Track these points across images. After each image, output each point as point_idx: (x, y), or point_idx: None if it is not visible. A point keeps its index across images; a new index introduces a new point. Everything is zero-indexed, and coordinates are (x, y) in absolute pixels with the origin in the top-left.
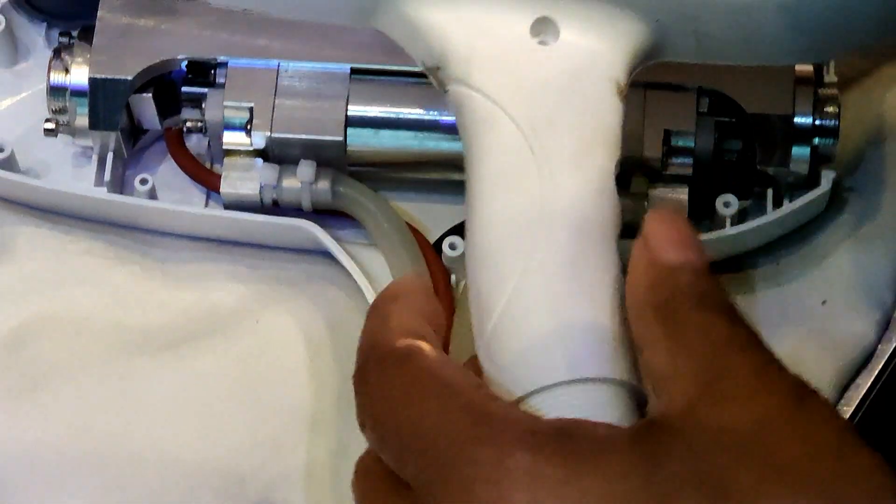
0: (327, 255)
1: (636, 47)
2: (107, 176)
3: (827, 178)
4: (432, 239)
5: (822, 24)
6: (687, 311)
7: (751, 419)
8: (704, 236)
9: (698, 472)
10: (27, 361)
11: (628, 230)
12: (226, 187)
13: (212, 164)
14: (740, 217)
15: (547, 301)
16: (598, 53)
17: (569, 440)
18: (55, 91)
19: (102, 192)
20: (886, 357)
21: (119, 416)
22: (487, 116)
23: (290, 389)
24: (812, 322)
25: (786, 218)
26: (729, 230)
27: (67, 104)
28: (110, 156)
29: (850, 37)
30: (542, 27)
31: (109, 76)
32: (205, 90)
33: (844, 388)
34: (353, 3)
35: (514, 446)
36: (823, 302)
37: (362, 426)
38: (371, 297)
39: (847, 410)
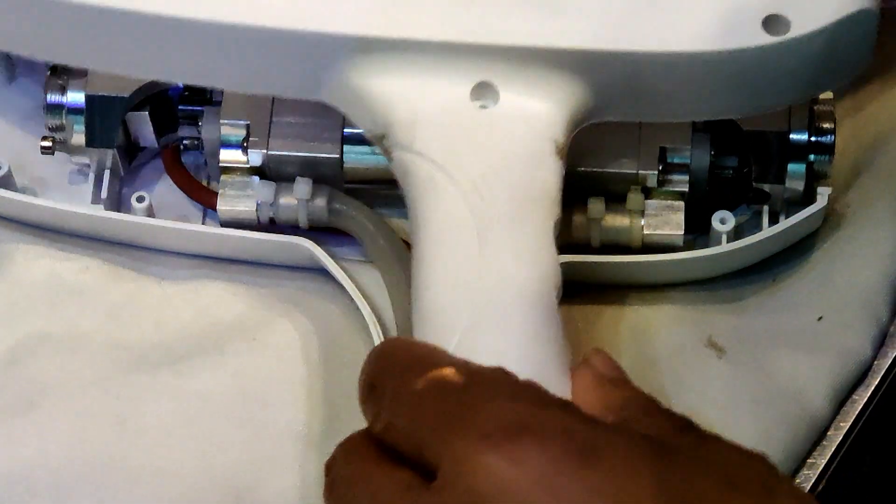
0: (324, 272)
1: (575, 108)
2: (104, 193)
3: (822, 194)
4: None
5: (758, 80)
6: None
7: None
8: (701, 252)
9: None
10: (24, 379)
11: (624, 250)
12: (222, 205)
13: (209, 182)
14: (736, 233)
15: (488, 359)
16: (537, 115)
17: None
18: (52, 108)
19: (99, 210)
20: (882, 372)
21: (116, 434)
22: (429, 181)
23: (286, 406)
24: (808, 338)
25: (782, 234)
26: (725, 246)
27: (64, 122)
28: (107, 173)
29: (792, 90)
30: (483, 91)
31: (106, 93)
32: (201, 108)
33: (841, 404)
34: (299, 79)
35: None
36: (819, 318)
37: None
38: (367, 313)
39: (844, 426)
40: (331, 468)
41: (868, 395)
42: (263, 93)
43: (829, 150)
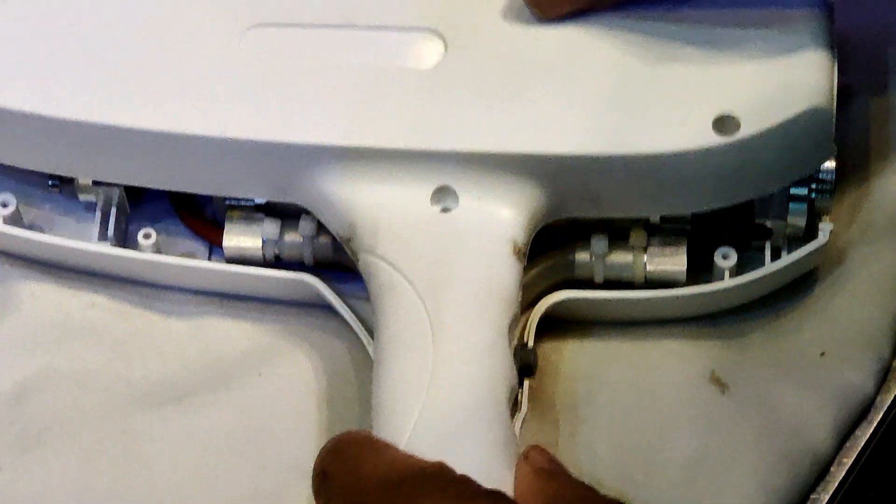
0: (329, 308)
1: (534, 209)
2: (110, 230)
3: (824, 230)
4: None
5: (712, 179)
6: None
7: None
8: (704, 288)
9: None
10: (30, 415)
11: (627, 285)
12: (228, 241)
13: (214, 219)
14: (738, 269)
15: (434, 455)
16: (496, 218)
17: None
18: None
19: (106, 247)
20: (885, 408)
21: (122, 469)
22: (390, 283)
23: (292, 442)
24: (811, 373)
25: (784, 270)
26: (727, 282)
27: None
28: (114, 210)
29: (748, 187)
30: (443, 195)
31: None
32: None
33: (844, 439)
34: (271, 184)
35: None
36: (822, 353)
37: None
38: (372, 350)
39: (847, 461)
40: None
41: (871, 430)
42: (239, 196)
43: (829, 186)
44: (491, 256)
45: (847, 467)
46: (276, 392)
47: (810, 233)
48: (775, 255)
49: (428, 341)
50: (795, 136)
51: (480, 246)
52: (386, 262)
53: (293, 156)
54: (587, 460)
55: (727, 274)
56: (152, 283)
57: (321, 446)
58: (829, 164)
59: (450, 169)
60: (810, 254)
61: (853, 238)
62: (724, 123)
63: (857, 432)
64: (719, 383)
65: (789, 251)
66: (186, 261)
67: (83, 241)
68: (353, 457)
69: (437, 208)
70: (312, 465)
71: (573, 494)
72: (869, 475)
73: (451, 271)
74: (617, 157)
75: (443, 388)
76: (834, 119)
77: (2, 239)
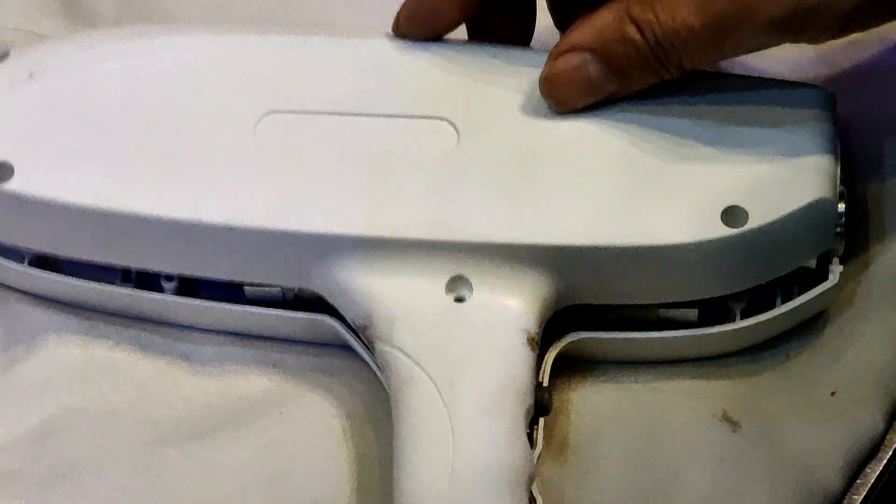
0: (348, 348)
1: (544, 298)
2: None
3: (834, 272)
4: None
5: (720, 268)
6: None
7: None
8: (716, 329)
9: None
10: (56, 453)
11: (640, 326)
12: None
13: None
14: (750, 310)
15: None
16: (509, 307)
17: None
18: None
19: (129, 289)
20: (895, 447)
21: None
22: (407, 373)
23: (311, 479)
24: (821, 412)
25: (794, 311)
26: (738, 323)
27: None
28: None
29: (753, 275)
30: (457, 285)
31: None
32: None
33: (854, 476)
34: (288, 271)
35: None
36: (832, 393)
37: None
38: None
39: (856, 499)
40: None
41: (881, 468)
42: (257, 281)
43: (840, 229)
44: (505, 348)
45: None
46: (296, 431)
47: (822, 274)
48: (787, 297)
49: (447, 433)
50: (800, 227)
51: (494, 337)
52: (403, 352)
53: (309, 245)
54: (601, 497)
55: (738, 315)
56: (174, 323)
57: (340, 483)
58: (840, 208)
59: (464, 259)
60: (821, 295)
61: (863, 279)
62: (732, 215)
63: (867, 469)
64: (731, 422)
65: (800, 293)
66: (207, 302)
67: (107, 283)
68: None
69: (451, 297)
70: (334, 500)
71: None
72: None
73: (466, 362)
74: (628, 249)
75: (463, 481)
76: (837, 209)
77: (27, 280)
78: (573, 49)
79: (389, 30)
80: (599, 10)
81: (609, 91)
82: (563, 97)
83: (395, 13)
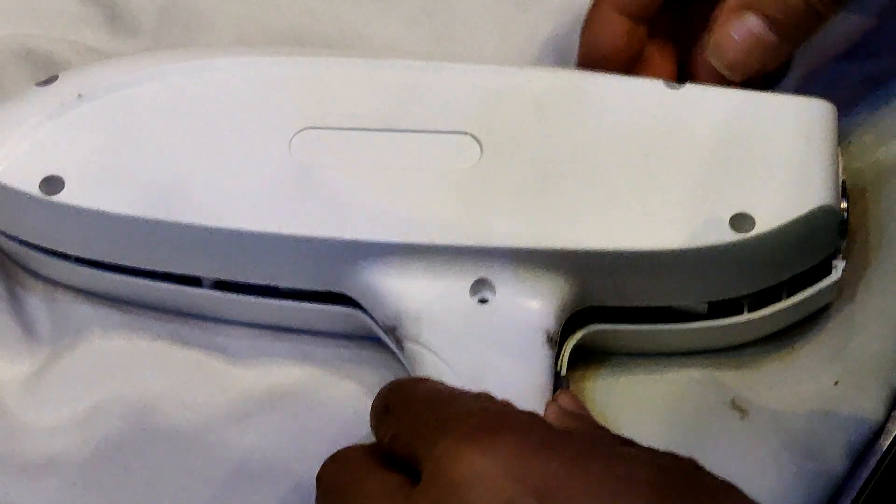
0: (377, 339)
1: (563, 299)
2: None
3: (837, 268)
4: None
5: (728, 272)
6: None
7: None
8: (724, 321)
9: None
10: (101, 437)
11: (651, 318)
12: None
13: None
14: (756, 304)
15: None
16: (530, 308)
17: None
18: None
19: (169, 284)
20: (895, 434)
21: (185, 486)
22: (434, 370)
23: None
24: (825, 401)
25: (799, 305)
26: (745, 316)
27: None
28: None
29: (759, 278)
30: (481, 287)
31: None
32: None
33: (857, 463)
34: (321, 276)
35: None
36: (836, 382)
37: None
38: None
39: (858, 482)
40: (322, 478)
41: (879, 456)
42: (290, 286)
43: (843, 227)
44: (526, 346)
45: (857, 490)
46: (327, 417)
47: (825, 270)
48: (792, 291)
49: None
50: (805, 232)
51: (516, 336)
52: (430, 350)
53: (342, 251)
54: None
55: (746, 308)
56: (211, 317)
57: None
58: (843, 205)
59: (488, 263)
60: (824, 290)
61: (864, 274)
62: (740, 221)
63: (869, 455)
64: (739, 409)
65: (805, 287)
66: (243, 297)
67: (148, 279)
68: (412, 393)
69: (475, 299)
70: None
71: (591, 430)
72: (880, 494)
73: (489, 360)
74: (641, 253)
75: None
76: (839, 215)
77: (74, 276)
78: (736, 12)
79: (413, 34)
80: None
81: (781, 52)
82: (738, 63)
83: (419, 24)
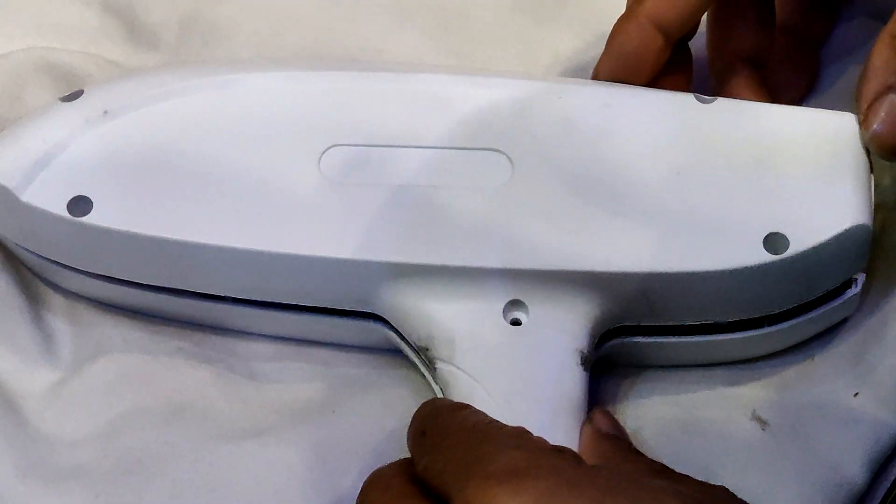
0: (398, 351)
1: (596, 320)
2: None
3: (857, 281)
4: None
5: (761, 291)
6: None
7: None
8: (745, 334)
9: None
10: (122, 449)
11: (673, 331)
12: None
13: None
14: (777, 317)
15: None
16: (563, 329)
17: None
18: None
19: (190, 298)
20: None
21: (207, 499)
22: (468, 392)
23: (363, 475)
24: (845, 412)
25: (819, 318)
26: (766, 329)
27: None
28: None
29: (790, 297)
30: (514, 308)
31: None
32: None
33: (877, 474)
34: (354, 297)
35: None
36: (855, 394)
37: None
38: (437, 390)
39: (878, 496)
40: (364, 498)
41: None
42: (324, 304)
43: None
44: (560, 368)
45: (879, 499)
46: (349, 429)
47: (846, 283)
48: (813, 304)
49: None
50: (838, 251)
51: (549, 357)
52: (464, 372)
53: (374, 273)
54: None
55: (766, 322)
56: (233, 329)
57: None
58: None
59: (521, 285)
60: (844, 303)
61: (884, 288)
62: (773, 241)
63: (889, 466)
64: (760, 421)
65: (825, 301)
66: (265, 310)
67: (171, 293)
68: (448, 419)
69: (508, 320)
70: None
71: (623, 460)
72: None
73: (523, 381)
74: (677, 275)
75: None
76: (871, 233)
77: (96, 290)
78: (881, 95)
79: (431, 49)
80: (874, 51)
81: None
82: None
83: (436, 39)
